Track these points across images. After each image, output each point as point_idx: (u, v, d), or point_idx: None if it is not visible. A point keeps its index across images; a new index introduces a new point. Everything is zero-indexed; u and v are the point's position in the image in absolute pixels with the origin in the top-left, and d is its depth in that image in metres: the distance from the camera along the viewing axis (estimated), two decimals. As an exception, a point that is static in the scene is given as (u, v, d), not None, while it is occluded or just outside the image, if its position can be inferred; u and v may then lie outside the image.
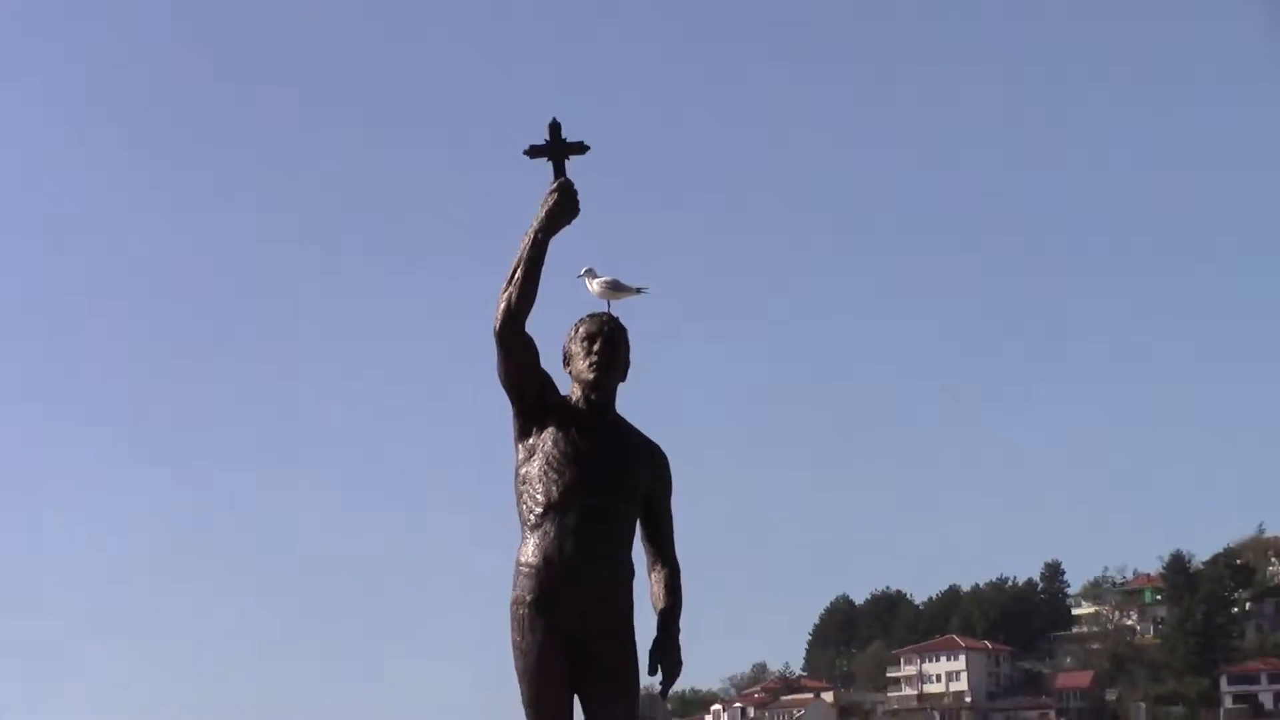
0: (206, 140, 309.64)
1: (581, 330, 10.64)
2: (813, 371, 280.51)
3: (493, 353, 10.38)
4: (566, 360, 10.67)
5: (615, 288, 10.90)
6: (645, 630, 10.44)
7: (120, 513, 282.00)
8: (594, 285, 10.93)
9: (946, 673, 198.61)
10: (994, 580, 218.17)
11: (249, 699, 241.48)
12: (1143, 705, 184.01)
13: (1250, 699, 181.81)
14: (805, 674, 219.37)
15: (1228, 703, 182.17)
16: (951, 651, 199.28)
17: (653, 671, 10.41)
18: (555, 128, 10.61)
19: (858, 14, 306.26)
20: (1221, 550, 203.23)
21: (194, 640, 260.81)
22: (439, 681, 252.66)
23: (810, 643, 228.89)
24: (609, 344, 10.55)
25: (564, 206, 10.40)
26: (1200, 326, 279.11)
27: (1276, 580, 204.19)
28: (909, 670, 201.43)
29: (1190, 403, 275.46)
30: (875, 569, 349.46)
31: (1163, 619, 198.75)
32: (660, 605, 10.51)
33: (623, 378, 10.66)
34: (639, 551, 10.59)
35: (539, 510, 10.29)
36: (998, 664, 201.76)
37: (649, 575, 10.60)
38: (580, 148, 10.60)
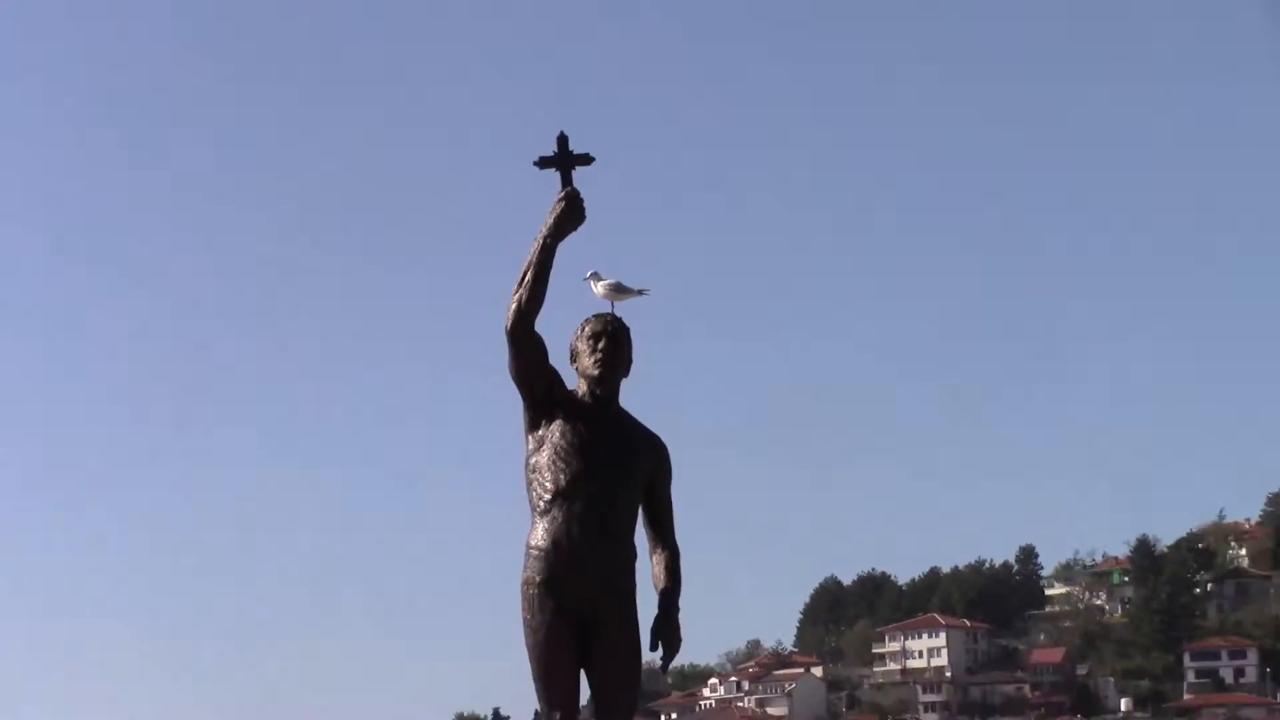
0: (207, 141, 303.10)
1: (587, 329, 10.64)
2: (811, 369, 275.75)
3: (504, 351, 10.39)
4: (573, 357, 10.68)
5: (618, 290, 10.91)
6: (647, 609, 10.46)
7: (119, 513, 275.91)
8: (598, 287, 10.93)
9: (928, 649, 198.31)
10: (972, 563, 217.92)
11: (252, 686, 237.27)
12: (1111, 679, 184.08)
13: (1211, 674, 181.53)
14: (796, 650, 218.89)
15: (1190, 677, 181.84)
16: (933, 629, 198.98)
17: (654, 647, 10.42)
18: (563, 140, 10.62)
19: (858, 14, 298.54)
20: (1185, 535, 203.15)
21: (193, 638, 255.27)
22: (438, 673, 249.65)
23: (801, 621, 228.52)
24: (613, 342, 10.56)
25: (571, 214, 10.42)
26: (1174, 328, 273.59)
27: (1236, 563, 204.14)
28: (893, 646, 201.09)
29: (1156, 399, 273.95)
30: (861, 552, 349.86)
31: (1130, 599, 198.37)
32: (661, 586, 10.52)
33: (626, 374, 10.67)
34: (641, 536, 10.60)
35: (548, 497, 10.30)
36: (976, 641, 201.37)
37: (650, 558, 10.61)
38: (586, 159, 10.60)
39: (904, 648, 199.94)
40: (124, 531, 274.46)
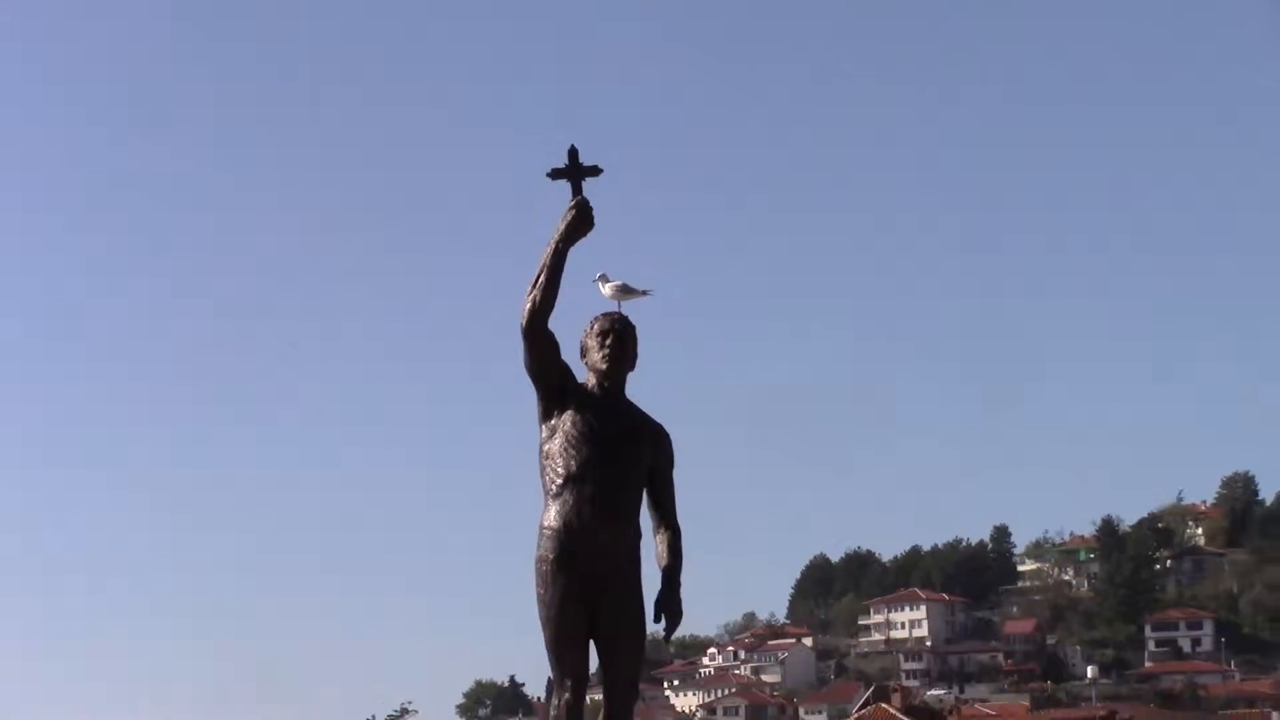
0: (208, 140, 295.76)
1: (596, 327, 10.68)
2: (803, 366, 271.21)
3: (520, 347, 10.42)
4: (583, 353, 10.71)
5: (625, 290, 10.94)
6: (651, 584, 10.49)
7: (121, 510, 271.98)
8: (606, 288, 10.96)
9: (909, 621, 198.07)
10: (950, 541, 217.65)
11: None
12: (1078, 649, 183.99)
13: (1171, 643, 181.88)
14: (789, 621, 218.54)
15: (1151, 646, 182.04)
16: (914, 603, 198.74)
17: (657, 620, 10.46)
18: (573, 153, 10.63)
19: (859, 14, 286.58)
20: (1146, 515, 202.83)
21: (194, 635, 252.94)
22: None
23: (793, 595, 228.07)
24: (619, 339, 10.60)
25: (581, 221, 10.44)
26: (1136, 328, 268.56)
27: (1193, 541, 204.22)
28: (878, 618, 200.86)
29: (1120, 392, 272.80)
30: (849, 532, 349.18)
31: (1095, 574, 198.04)
32: (663, 563, 10.54)
33: (632, 367, 10.71)
34: (646, 517, 10.62)
35: (559, 481, 10.33)
36: (954, 613, 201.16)
37: (654, 537, 10.63)
38: (595, 170, 10.61)
39: (888, 619, 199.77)
40: (125, 529, 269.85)
